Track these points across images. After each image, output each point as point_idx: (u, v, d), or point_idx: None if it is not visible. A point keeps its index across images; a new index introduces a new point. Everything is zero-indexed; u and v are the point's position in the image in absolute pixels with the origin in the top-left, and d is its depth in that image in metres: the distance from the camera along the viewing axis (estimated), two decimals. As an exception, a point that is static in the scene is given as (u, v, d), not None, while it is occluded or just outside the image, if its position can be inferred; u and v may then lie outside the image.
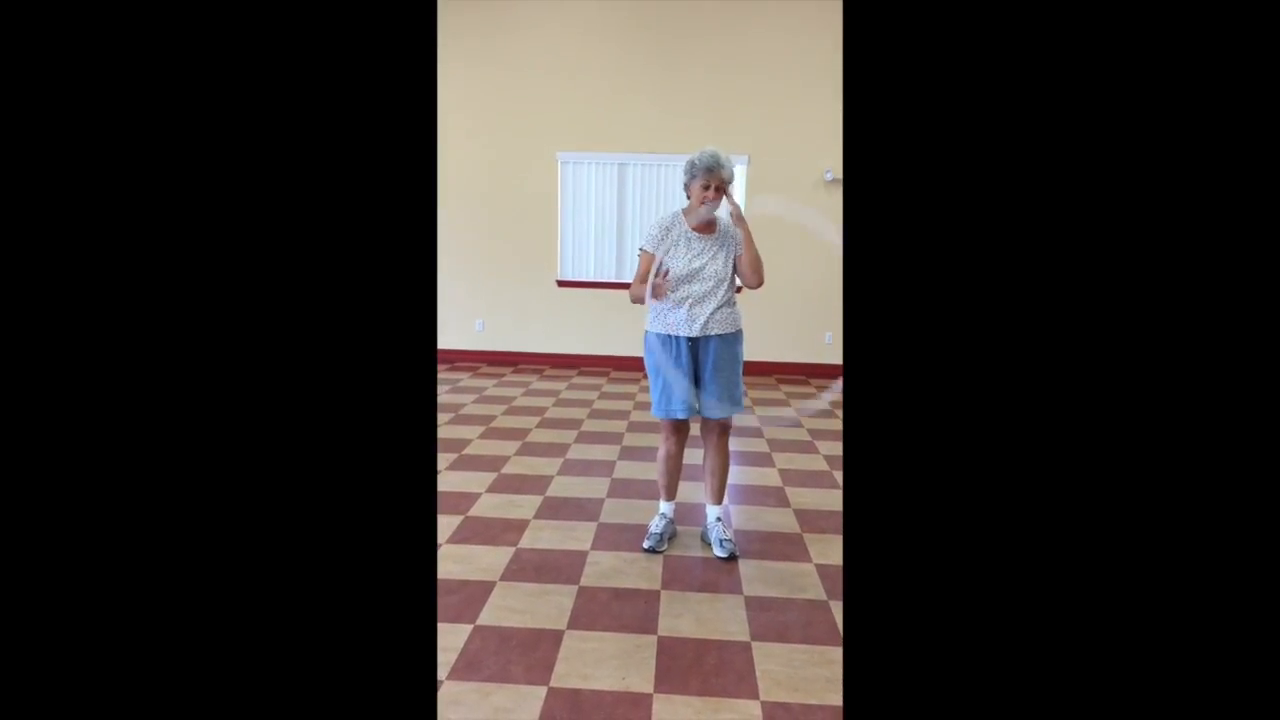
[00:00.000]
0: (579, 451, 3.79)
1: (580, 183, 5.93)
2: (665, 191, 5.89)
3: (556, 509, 3.01)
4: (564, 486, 3.28)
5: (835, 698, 1.83)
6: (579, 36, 5.74)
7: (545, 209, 5.94)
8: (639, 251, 2.56)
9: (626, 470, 3.52)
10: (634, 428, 4.27)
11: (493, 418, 4.41)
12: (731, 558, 2.57)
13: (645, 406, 4.81)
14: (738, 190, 5.82)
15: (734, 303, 2.57)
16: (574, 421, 4.37)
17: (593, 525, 2.85)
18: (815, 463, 3.75)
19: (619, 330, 6.02)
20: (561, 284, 6.02)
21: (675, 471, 2.70)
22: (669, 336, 2.54)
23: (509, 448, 3.82)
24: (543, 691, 1.82)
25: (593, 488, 3.27)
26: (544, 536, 2.73)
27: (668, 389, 2.55)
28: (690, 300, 2.50)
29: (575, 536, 2.74)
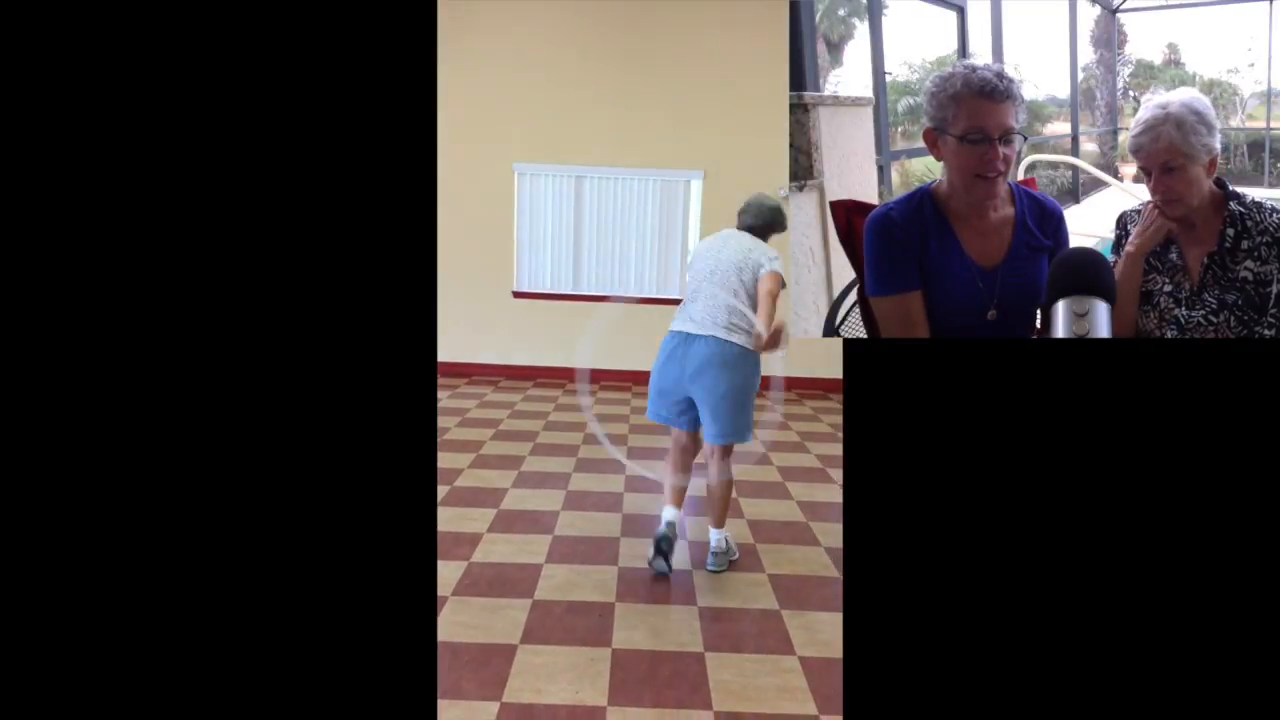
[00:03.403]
0: (534, 464, 3.76)
1: (537, 194, 5.92)
2: (623, 205, 5.92)
3: (510, 522, 2.98)
4: (518, 500, 3.25)
5: (787, 706, 1.85)
6: (536, 48, 5.75)
7: (501, 220, 5.91)
8: (775, 273, 2.42)
9: (582, 483, 3.51)
10: (590, 440, 4.26)
11: (446, 430, 4.35)
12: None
13: (603, 419, 4.81)
14: (693, 207, 5.89)
15: None
16: (529, 434, 4.33)
17: (547, 538, 2.83)
18: (769, 474, 3.80)
19: (576, 343, 6.00)
20: (518, 295, 5.99)
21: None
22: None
23: (462, 460, 3.77)
24: (495, 707, 1.79)
25: (548, 500, 3.25)
26: (497, 550, 2.70)
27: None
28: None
29: (529, 550, 2.71)
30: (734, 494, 3.42)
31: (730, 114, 5.78)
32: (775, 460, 4.03)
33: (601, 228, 5.94)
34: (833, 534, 3.01)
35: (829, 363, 5.84)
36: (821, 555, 2.79)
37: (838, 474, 3.84)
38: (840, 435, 4.65)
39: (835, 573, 2.64)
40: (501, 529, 2.91)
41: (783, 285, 2.41)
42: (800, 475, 3.79)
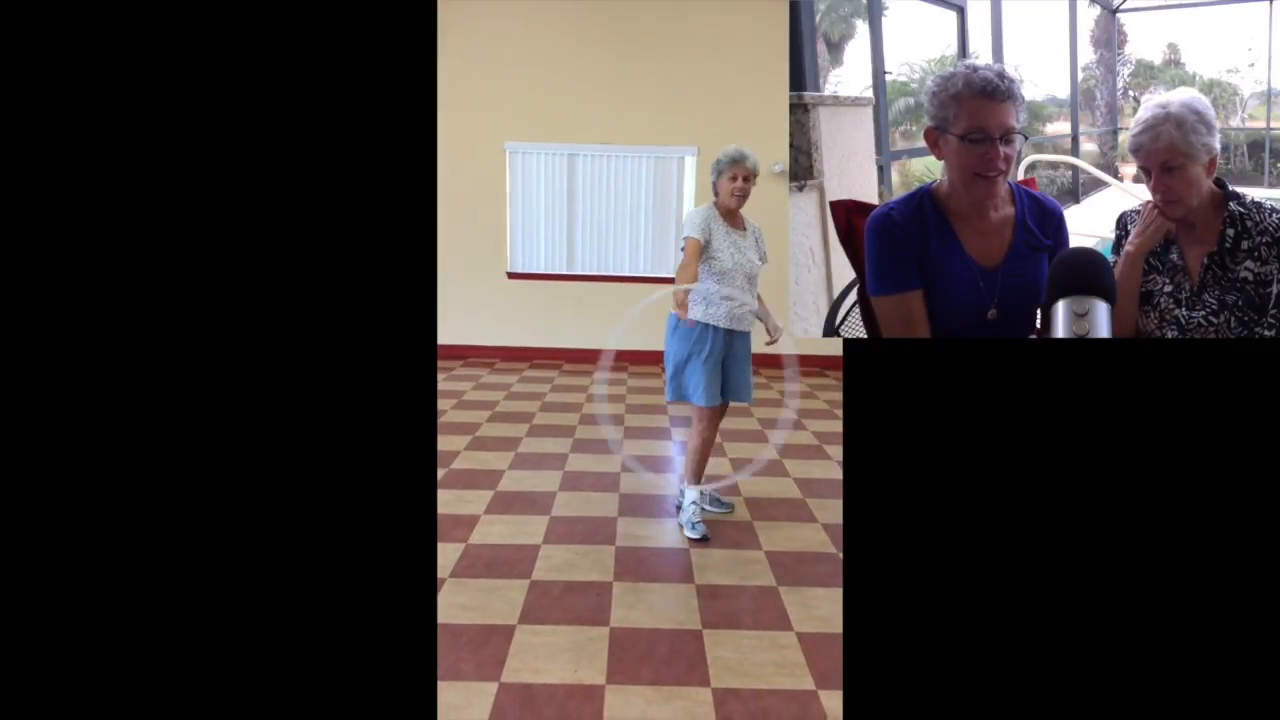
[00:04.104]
0: (530, 445, 3.76)
1: (529, 173, 5.86)
2: (617, 183, 5.87)
3: (508, 503, 2.99)
4: (515, 481, 3.25)
5: (784, 682, 1.86)
6: (527, 25, 5.66)
7: (493, 200, 5.86)
8: (685, 240, 2.55)
9: (579, 463, 3.51)
10: (586, 420, 4.26)
11: (442, 412, 4.34)
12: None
13: (598, 398, 4.80)
14: (687, 184, 5.84)
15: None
16: (525, 415, 4.33)
17: (545, 519, 2.83)
18: (765, 452, 3.80)
19: (571, 323, 5.99)
20: (512, 276, 5.96)
21: (708, 459, 2.82)
22: (706, 326, 2.62)
23: (459, 442, 3.76)
24: (493, 688, 1.80)
25: (545, 481, 3.25)
26: (495, 532, 2.71)
27: (699, 377, 2.63)
28: (735, 295, 2.59)
29: (527, 531, 2.72)
30: (731, 471, 3.43)
31: (723, 91, 5.71)
32: (772, 438, 4.04)
33: (595, 207, 5.89)
34: (829, 510, 3.02)
35: (827, 341, 5.82)
36: (819, 532, 2.80)
37: (834, 450, 3.85)
38: (837, 412, 4.65)
39: (832, 549, 2.65)
40: (499, 510, 2.91)
41: (698, 244, 2.52)
42: (797, 452, 3.80)
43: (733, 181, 2.54)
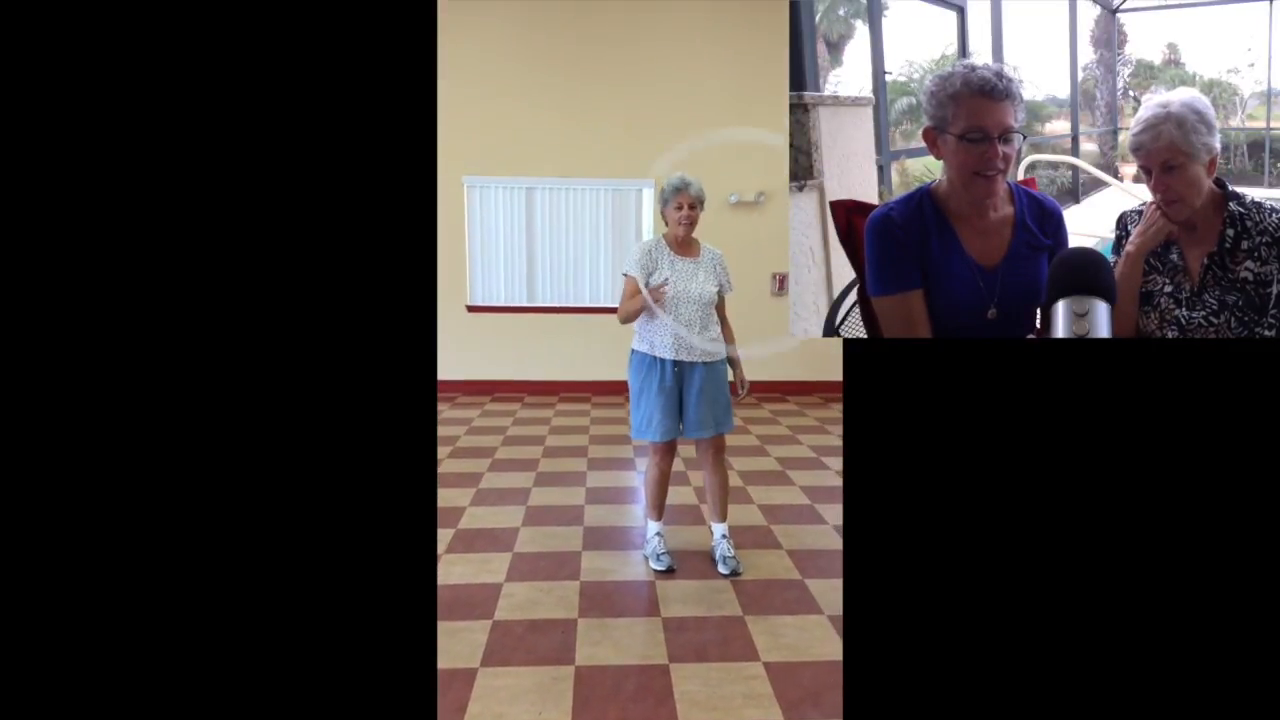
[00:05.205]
0: (492, 480, 3.70)
1: (488, 207, 5.86)
2: (575, 215, 5.90)
3: (469, 541, 2.92)
4: (477, 518, 3.19)
5: (752, 713, 1.84)
6: (483, 59, 5.70)
7: (452, 234, 5.84)
8: (624, 276, 2.65)
9: (542, 497, 3.46)
10: (550, 453, 4.22)
11: (402, 450, 4.25)
12: (734, 574, 2.62)
13: (561, 431, 4.76)
14: (645, 216, 5.90)
15: (716, 328, 2.67)
16: (487, 449, 4.27)
17: (507, 556, 2.78)
18: (730, 479, 3.80)
19: (533, 355, 5.95)
20: (472, 309, 5.91)
21: (665, 491, 2.76)
22: (655, 359, 2.61)
23: (419, 480, 3.68)
24: (455, 735, 1.74)
25: (508, 517, 3.19)
26: (456, 571, 2.65)
27: (650, 412, 2.61)
28: (677, 323, 2.59)
29: (489, 569, 2.66)
30: (696, 500, 3.42)
31: (681, 123, 5.81)
32: (736, 465, 4.04)
33: (555, 239, 5.91)
34: (794, 536, 3.03)
35: (789, 366, 5.90)
36: (783, 559, 2.80)
37: (798, 476, 3.87)
38: (800, 438, 4.69)
39: (798, 575, 2.65)
40: (460, 549, 2.85)
41: (636, 282, 2.60)
42: (760, 479, 3.81)
43: (679, 210, 2.59)
